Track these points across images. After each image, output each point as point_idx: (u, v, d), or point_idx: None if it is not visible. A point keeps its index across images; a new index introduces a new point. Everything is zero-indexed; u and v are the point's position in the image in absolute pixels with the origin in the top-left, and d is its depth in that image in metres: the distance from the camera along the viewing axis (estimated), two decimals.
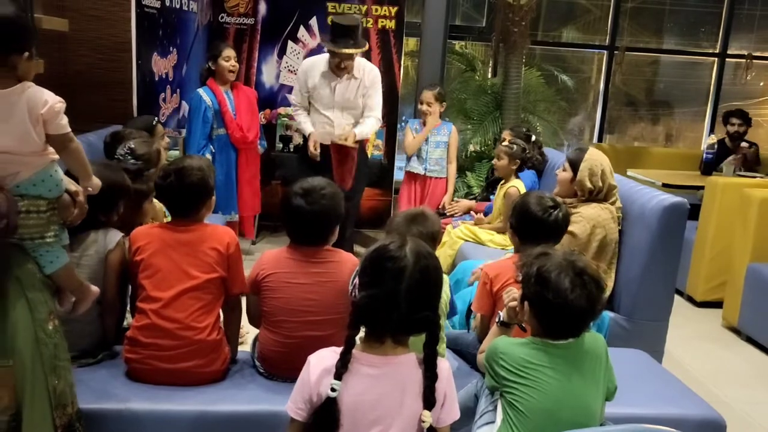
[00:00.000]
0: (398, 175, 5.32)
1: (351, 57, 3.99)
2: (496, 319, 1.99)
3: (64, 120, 1.76)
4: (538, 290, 1.73)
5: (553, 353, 1.74)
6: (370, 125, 4.19)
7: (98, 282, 2.18)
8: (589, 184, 3.02)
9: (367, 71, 4.17)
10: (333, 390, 1.48)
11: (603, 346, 1.82)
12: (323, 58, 4.13)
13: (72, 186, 1.86)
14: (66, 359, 1.87)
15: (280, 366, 2.20)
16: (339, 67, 4.01)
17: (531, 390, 1.71)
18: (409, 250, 1.53)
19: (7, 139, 1.68)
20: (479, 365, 2.08)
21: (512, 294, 1.92)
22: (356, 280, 1.60)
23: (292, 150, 5.31)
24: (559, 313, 1.72)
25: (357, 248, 4.75)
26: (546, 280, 1.71)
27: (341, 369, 1.50)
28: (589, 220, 2.95)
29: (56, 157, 1.79)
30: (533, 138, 4.03)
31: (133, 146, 2.74)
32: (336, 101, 4.11)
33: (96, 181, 1.93)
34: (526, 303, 1.80)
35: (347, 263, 2.21)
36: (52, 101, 1.72)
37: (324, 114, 4.13)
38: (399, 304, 1.50)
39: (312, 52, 5.10)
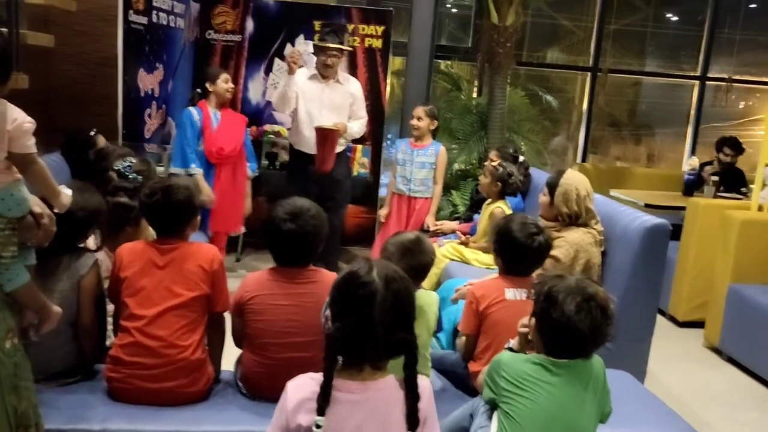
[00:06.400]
0: (383, 193, 5.33)
1: (336, 54, 4.23)
2: (505, 346, 2.00)
3: (31, 140, 1.72)
4: (545, 307, 1.77)
5: (553, 371, 1.77)
6: (359, 125, 4.47)
7: (72, 307, 2.15)
8: (565, 209, 3.05)
9: (351, 81, 4.49)
10: (318, 426, 1.45)
11: (602, 370, 1.86)
12: (308, 70, 4.42)
13: (37, 208, 1.81)
14: (28, 379, 1.81)
15: (263, 387, 2.18)
16: (324, 65, 4.23)
17: (527, 401, 1.75)
18: (377, 274, 1.51)
19: None
20: (477, 385, 2.08)
21: (524, 321, 1.94)
22: (327, 312, 1.58)
23: (278, 167, 5.31)
24: (560, 333, 1.76)
25: (342, 265, 4.74)
26: (553, 299, 1.75)
27: (323, 404, 1.46)
28: (572, 244, 2.97)
29: (20, 176, 1.75)
30: (521, 159, 4.05)
31: (133, 161, 2.73)
32: (324, 103, 4.31)
33: (64, 201, 1.91)
34: (533, 319, 1.84)
35: (329, 282, 2.19)
36: (21, 119, 1.69)
37: (312, 117, 4.28)
38: (374, 331, 1.47)
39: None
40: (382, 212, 4.71)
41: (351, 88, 4.42)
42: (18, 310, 1.85)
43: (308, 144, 4.30)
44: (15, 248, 1.77)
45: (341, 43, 4.25)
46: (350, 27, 5.28)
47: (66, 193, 1.92)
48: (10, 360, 1.74)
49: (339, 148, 4.37)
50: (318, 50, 4.30)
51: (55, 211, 1.89)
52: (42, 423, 1.86)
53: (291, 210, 2.19)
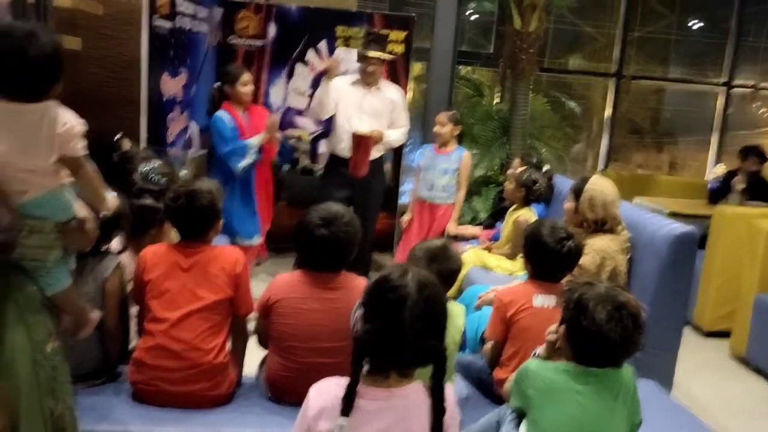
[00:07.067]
0: (404, 199, 5.32)
1: (377, 62, 4.33)
2: (532, 354, 1.97)
3: (81, 143, 1.74)
4: (574, 315, 1.75)
5: (582, 380, 1.74)
6: (398, 133, 4.52)
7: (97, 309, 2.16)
8: (591, 215, 3.02)
9: (393, 89, 4.56)
10: (341, 428, 1.44)
11: (632, 379, 1.83)
12: (351, 76, 4.51)
13: (82, 212, 1.83)
14: (66, 382, 1.83)
15: (287, 391, 2.17)
16: (365, 72, 4.34)
17: (556, 410, 1.73)
18: (411, 279, 1.49)
19: (16, 155, 1.66)
20: (503, 392, 2.05)
21: (552, 329, 1.91)
22: (358, 313, 1.55)
23: (299, 172, 5.31)
24: (590, 341, 1.73)
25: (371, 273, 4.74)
26: (584, 307, 1.73)
27: (348, 406, 1.45)
28: (598, 251, 2.93)
29: (68, 181, 1.77)
30: (545, 168, 4.03)
31: (157, 164, 2.74)
32: (364, 108, 4.37)
33: (110, 204, 1.92)
34: (562, 326, 1.81)
35: (360, 289, 2.17)
36: (72, 123, 1.72)
37: (351, 122, 4.31)
38: (404, 336, 1.45)
39: (320, 75, 5.11)
40: (405, 218, 4.71)
41: (392, 96, 4.49)
42: (56, 314, 1.85)
43: (345, 148, 4.33)
44: (59, 252, 1.78)
45: (383, 51, 4.40)
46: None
47: (112, 196, 1.94)
48: (49, 363, 1.76)
49: (375, 155, 4.41)
50: (360, 58, 4.42)
51: (103, 214, 1.91)
52: (77, 426, 1.87)
53: (325, 215, 2.18)
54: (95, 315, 2.00)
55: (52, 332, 1.80)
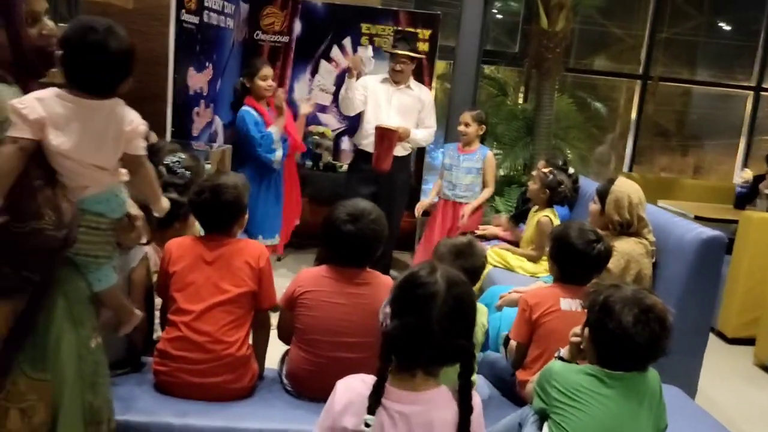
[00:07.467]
0: (425, 197, 5.30)
1: (405, 61, 4.35)
2: (556, 355, 1.96)
3: (143, 142, 1.77)
4: (600, 318, 1.73)
5: (607, 383, 1.73)
6: (425, 133, 4.54)
7: None
8: (617, 217, 2.99)
9: (422, 88, 4.60)
10: (367, 425, 1.43)
11: (658, 384, 1.81)
12: (381, 74, 4.54)
13: (133, 210, 1.86)
14: (105, 375, 1.85)
15: (309, 385, 2.18)
16: (394, 70, 4.38)
17: (580, 413, 1.71)
18: (440, 276, 1.49)
19: (85, 151, 1.66)
20: (525, 394, 2.04)
21: (576, 331, 1.90)
22: (387, 309, 1.55)
23: (322, 168, 5.33)
24: (617, 345, 1.72)
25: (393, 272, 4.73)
26: (610, 310, 1.71)
27: (375, 403, 1.44)
28: (623, 254, 2.90)
29: (125, 178, 1.80)
30: (570, 171, 3.99)
31: (182, 157, 2.76)
32: (393, 105, 4.40)
33: (164, 204, 1.94)
34: (587, 328, 1.79)
35: (385, 286, 2.18)
36: (137, 121, 1.74)
37: (378, 118, 4.33)
38: (432, 333, 1.44)
39: (344, 72, 5.13)
40: (425, 202, 4.67)
41: (421, 95, 4.51)
42: (96, 309, 1.87)
43: (371, 144, 4.34)
44: (111, 248, 1.81)
45: (412, 50, 4.42)
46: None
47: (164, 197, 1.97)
48: (92, 358, 1.77)
49: (402, 153, 4.43)
50: (389, 56, 4.46)
51: (155, 214, 1.94)
52: (113, 418, 1.88)
53: (351, 211, 2.18)
54: (138, 313, 2.01)
55: (96, 327, 1.81)
